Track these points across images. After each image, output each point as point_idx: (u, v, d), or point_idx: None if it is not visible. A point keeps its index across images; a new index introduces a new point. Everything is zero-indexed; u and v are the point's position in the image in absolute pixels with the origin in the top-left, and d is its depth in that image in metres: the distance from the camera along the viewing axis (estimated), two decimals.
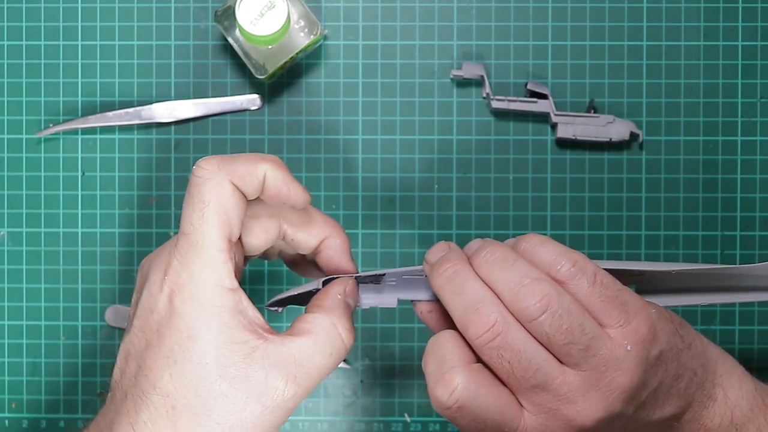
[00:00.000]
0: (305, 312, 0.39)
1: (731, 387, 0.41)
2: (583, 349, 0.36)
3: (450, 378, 0.37)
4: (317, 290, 0.41)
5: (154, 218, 0.54)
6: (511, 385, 0.37)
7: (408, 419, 0.54)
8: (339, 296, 0.40)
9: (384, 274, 0.44)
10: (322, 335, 0.38)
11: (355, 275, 0.42)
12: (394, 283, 0.44)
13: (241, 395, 0.36)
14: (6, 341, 0.54)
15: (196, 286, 0.36)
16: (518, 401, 0.37)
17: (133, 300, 0.38)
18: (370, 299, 0.44)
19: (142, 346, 0.36)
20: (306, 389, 0.37)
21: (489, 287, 0.37)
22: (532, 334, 0.37)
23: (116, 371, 0.37)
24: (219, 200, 0.36)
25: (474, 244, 0.40)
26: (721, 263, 0.53)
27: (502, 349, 0.36)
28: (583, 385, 0.37)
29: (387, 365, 0.54)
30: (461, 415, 0.37)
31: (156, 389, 0.35)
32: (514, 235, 0.53)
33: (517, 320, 0.37)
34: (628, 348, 0.37)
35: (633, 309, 0.37)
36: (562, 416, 0.37)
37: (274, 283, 0.54)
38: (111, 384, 0.37)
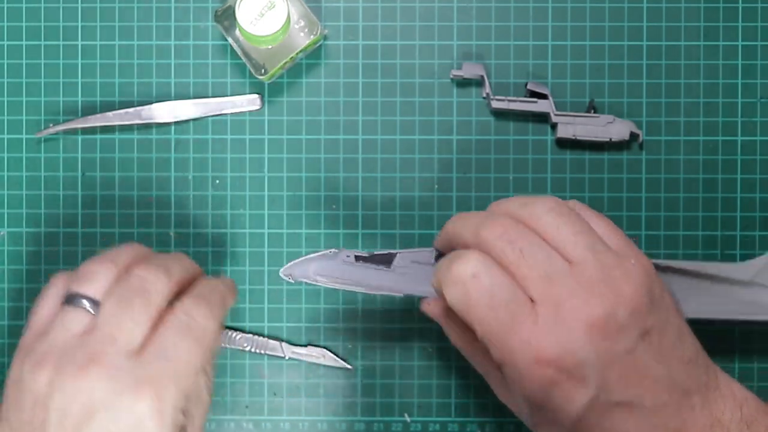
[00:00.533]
0: None
1: (734, 383, 0.41)
2: (590, 246, 0.40)
3: (467, 255, 0.40)
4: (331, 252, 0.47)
5: (154, 218, 0.54)
6: (521, 275, 0.39)
7: (408, 419, 0.54)
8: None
9: (395, 255, 0.46)
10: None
11: (366, 254, 0.47)
12: (404, 271, 0.46)
13: None
14: (6, 341, 0.54)
15: (176, 412, 0.39)
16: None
17: (40, 419, 0.38)
18: (377, 281, 0.46)
19: None
20: None
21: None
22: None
23: None
24: (213, 346, 0.42)
25: None
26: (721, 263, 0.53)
27: (516, 239, 0.40)
28: (588, 280, 0.39)
29: (387, 365, 0.54)
30: (475, 287, 0.39)
31: None
32: None
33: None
34: (633, 263, 0.40)
35: (639, 252, 0.41)
36: (570, 308, 0.38)
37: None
38: None
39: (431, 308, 0.47)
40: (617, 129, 0.52)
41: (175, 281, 0.42)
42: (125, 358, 0.39)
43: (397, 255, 0.48)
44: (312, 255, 0.49)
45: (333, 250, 0.49)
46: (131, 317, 0.39)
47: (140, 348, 0.39)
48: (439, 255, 0.47)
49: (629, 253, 0.41)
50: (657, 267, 0.42)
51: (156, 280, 0.41)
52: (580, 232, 0.40)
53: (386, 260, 0.48)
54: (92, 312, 0.40)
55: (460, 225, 0.43)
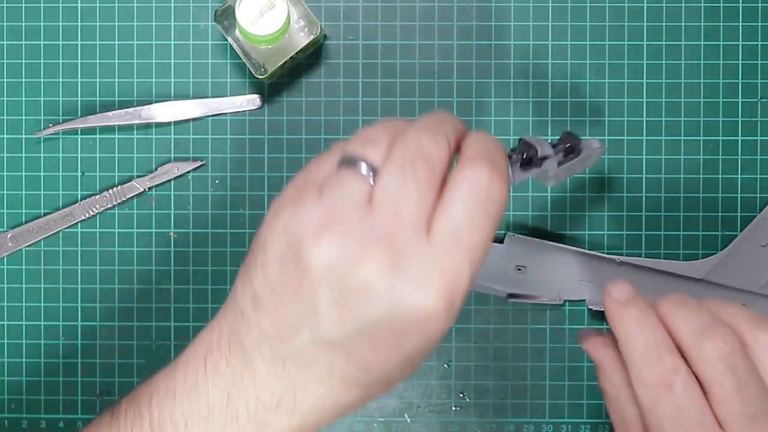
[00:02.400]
0: None
1: None
2: (750, 417, 0.36)
3: (677, 363, 0.37)
4: None
5: (154, 218, 0.54)
6: (726, 406, 0.36)
7: (408, 419, 0.54)
8: None
9: None
10: None
11: None
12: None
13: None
14: (6, 341, 0.54)
15: (460, 303, 0.34)
16: None
17: (310, 288, 0.33)
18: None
19: (367, 354, 0.34)
20: None
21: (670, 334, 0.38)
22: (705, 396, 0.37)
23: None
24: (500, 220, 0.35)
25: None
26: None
27: (738, 367, 0.36)
28: None
29: None
30: (670, 398, 0.37)
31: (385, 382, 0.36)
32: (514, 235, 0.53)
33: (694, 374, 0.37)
34: None
35: None
36: None
37: None
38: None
39: (593, 350, 0.42)
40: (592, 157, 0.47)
41: (451, 143, 0.35)
42: (413, 239, 0.33)
43: None
44: None
45: None
46: (416, 188, 0.33)
47: (428, 225, 0.33)
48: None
49: None
50: (619, 263, 0.41)
51: (437, 146, 0.34)
52: (748, 399, 0.37)
53: None
54: (371, 180, 0.34)
55: (680, 317, 0.38)
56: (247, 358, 0.35)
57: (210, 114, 0.54)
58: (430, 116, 0.36)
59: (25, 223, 0.54)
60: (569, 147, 0.42)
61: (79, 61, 0.54)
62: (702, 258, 0.53)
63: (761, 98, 0.54)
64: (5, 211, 0.54)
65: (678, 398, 0.36)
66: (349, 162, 0.34)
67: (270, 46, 0.51)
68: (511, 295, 0.53)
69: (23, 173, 0.54)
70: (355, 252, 0.32)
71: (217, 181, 0.54)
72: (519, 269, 0.53)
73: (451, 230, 0.33)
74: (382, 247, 0.32)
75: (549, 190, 0.54)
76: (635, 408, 0.40)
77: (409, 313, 0.33)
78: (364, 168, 0.34)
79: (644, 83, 0.54)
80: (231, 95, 0.54)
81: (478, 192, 0.34)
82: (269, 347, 0.35)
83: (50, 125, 0.54)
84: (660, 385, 0.37)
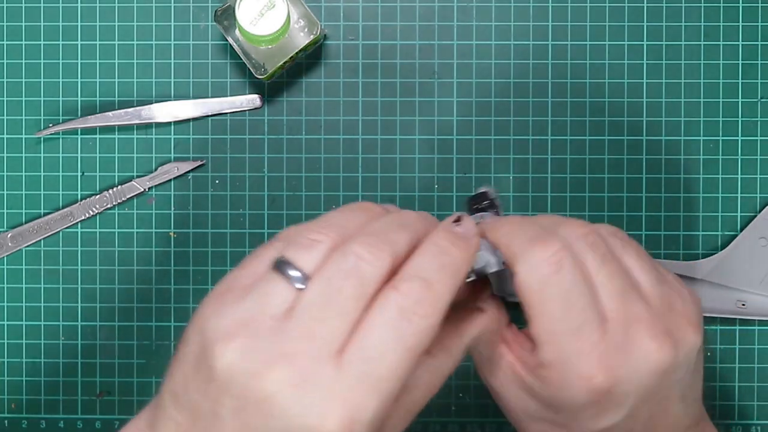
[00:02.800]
0: None
1: None
2: (658, 279, 0.37)
3: (554, 240, 0.36)
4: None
5: (154, 218, 0.54)
6: (599, 282, 0.36)
7: None
8: None
9: None
10: (431, 378, 0.37)
11: None
12: None
13: None
14: (6, 341, 0.54)
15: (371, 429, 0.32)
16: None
17: (216, 394, 0.32)
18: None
19: None
20: None
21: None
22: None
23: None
24: (420, 354, 0.33)
25: None
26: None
27: (598, 245, 0.36)
28: (656, 311, 0.36)
29: None
30: (556, 280, 0.35)
31: None
32: None
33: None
34: (691, 303, 0.38)
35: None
36: (637, 337, 0.36)
37: None
38: None
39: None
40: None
41: (399, 257, 0.33)
42: (321, 362, 0.31)
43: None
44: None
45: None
46: (337, 309, 0.32)
47: (341, 348, 0.32)
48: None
49: (682, 290, 0.39)
50: None
51: (376, 263, 0.33)
52: (648, 261, 0.38)
53: None
54: (300, 288, 0.33)
55: (521, 228, 0.37)
56: None
57: (210, 114, 0.54)
58: (388, 218, 0.35)
59: (25, 223, 0.54)
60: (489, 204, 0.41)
61: (79, 61, 0.54)
62: (702, 258, 0.53)
63: (761, 98, 0.54)
64: (5, 211, 0.54)
65: (566, 275, 0.35)
66: (280, 266, 0.33)
67: (270, 46, 0.51)
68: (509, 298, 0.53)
69: (23, 173, 0.54)
70: (260, 365, 0.31)
71: (217, 181, 0.54)
72: None
73: (362, 359, 0.31)
74: (287, 364, 0.31)
75: (549, 191, 0.54)
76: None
77: None
78: (293, 275, 0.33)
79: (644, 83, 0.54)
80: (231, 95, 0.54)
81: (398, 321, 0.32)
82: None
83: (50, 125, 0.54)
84: (550, 263, 0.35)
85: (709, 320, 0.53)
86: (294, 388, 0.31)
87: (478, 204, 0.41)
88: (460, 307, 0.38)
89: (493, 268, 0.38)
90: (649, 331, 0.36)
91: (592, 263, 0.36)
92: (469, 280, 0.36)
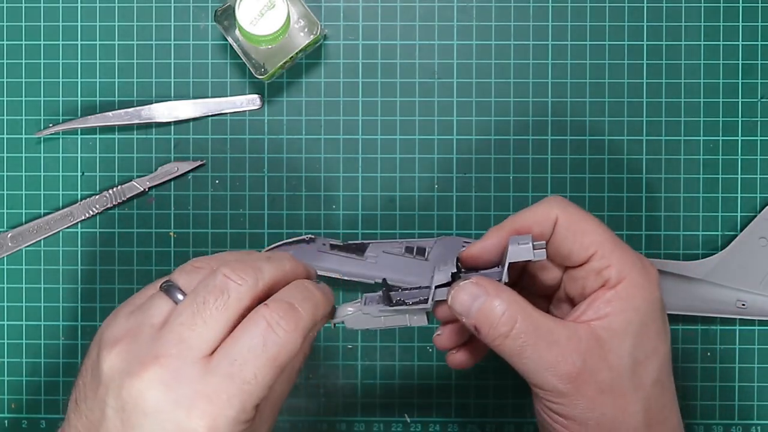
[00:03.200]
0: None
1: None
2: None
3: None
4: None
5: (154, 218, 0.54)
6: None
7: (408, 419, 0.54)
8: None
9: (368, 245, 0.51)
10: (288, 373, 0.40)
11: (341, 243, 0.49)
12: (374, 260, 0.49)
13: None
14: (6, 341, 0.54)
15: (234, 426, 0.36)
16: None
17: (103, 399, 0.37)
18: (350, 268, 0.50)
19: None
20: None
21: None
22: None
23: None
24: (288, 363, 0.37)
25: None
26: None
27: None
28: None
29: (387, 365, 0.54)
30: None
31: None
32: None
33: None
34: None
35: None
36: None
37: None
38: None
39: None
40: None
41: (265, 284, 0.39)
42: (189, 363, 0.36)
43: (369, 245, 0.51)
44: (290, 239, 0.52)
45: (310, 236, 0.50)
46: (203, 318, 0.37)
47: (210, 354, 0.37)
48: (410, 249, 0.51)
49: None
50: None
51: (240, 282, 0.38)
52: None
53: (359, 249, 0.50)
54: (177, 303, 0.38)
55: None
56: None
57: (210, 114, 0.54)
58: (263, 255, 0.41)
59: (25, 223, 0.54)
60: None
61: (79, 61, 0.54)
62: (702, 258, 0.53)
63: (761, 98, 0.54)
64: (5, 211, 0.54)
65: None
66: (165, 287, 0.39)
67: (270, 46, 0.51)
68: None
69: (23, 173, 0.54)
70: (136, 365, 0.36)
71: (217, 181, 0.54)
72: None
73: (229, 363, 0.36)
74: (159, 365, 0.36)
75: (549, 191, 0.54)
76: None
77: (173, 429, 0.35)
78: (175, 293, 0.39)
79: (644, 83, 0.54)
80: (231, 95, 0.54)
81: (265, 331, 0.37)
82: None
83: (50, 125, 0.54)
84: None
85: (709, 320, 0.53)
86: (164, 386, 0.35)
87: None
88: None
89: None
90: None
91: None
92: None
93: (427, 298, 0.43)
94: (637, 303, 0.40)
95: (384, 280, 0.47)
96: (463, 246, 0.48)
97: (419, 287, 0.45)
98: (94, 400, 0.37)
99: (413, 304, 0.43)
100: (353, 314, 0.43)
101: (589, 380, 0.39)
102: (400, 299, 0.45)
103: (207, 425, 0.35)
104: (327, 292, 0.41)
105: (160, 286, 0.39)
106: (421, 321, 0.44)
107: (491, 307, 0.39)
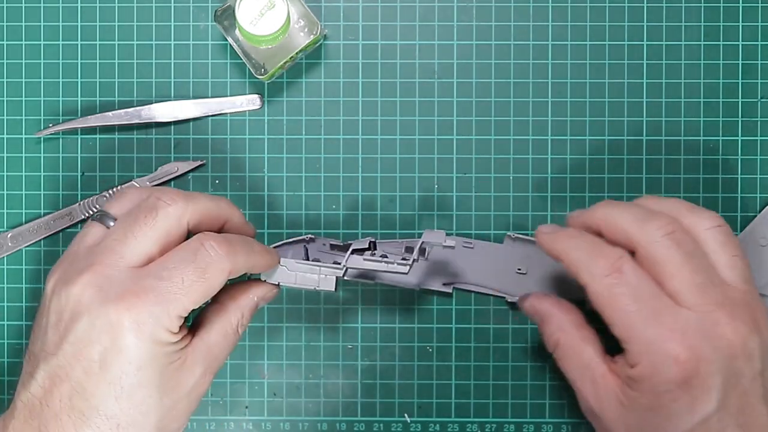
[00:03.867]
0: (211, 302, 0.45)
1: None
2: (743, 273, 0.41)
3: (611, 252, 0.41)
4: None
5: None
6: (678, 278, 0.40)
7: (408, 419, 0.54)
8: (247, 295, 0.46)
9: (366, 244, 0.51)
10: (224, 325, 0.44)
11: (341, 243, 0.51)
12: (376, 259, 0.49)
13: (176, 398, 0.41)
14: (6, 341, 0.54)
15: (158, 328, 0.39)
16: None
17: (45, 320, 0.40)
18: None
19: (79, 373, 0.38)
20: (215, 373, 0.43)
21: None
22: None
23: (36, 389, 0.39)
24: (218, 284, 0.40)
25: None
26: None
27: (684, 242, 0.40)
28: (735, 302, 0.40)
29: (387, 365, 0.54)
30: (621, 280, 0.40)
31: (99, 412, 0.38)
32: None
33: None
34: (764, 304, 0.41)
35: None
36: (714, 320, 0.39)
37: None
38: (24, 398, 0.40)
39: (537, 303, 0.47)
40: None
41: (195, 210, 0.42)
42: (121, 270, 0.39)
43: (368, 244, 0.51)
44: (290, 240, 0.52)
45: (310, 236, 0.50)
46: (133, 231, 0.40)
47: (141, 265, 0.40)
48: (407, 249, 0.51)
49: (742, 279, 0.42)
50: None
51: (170, 202, 0.41)
52: (740, 257, 0.41)
53: (360, 250, 0.50)
54: (109, 227, 0.42)
55: (618, 213, 0.43)
56: (13, 406, 0.41)
57: (210, 114, 0.54)
58: (200, 194, 0.43)
59: (25, 223, 0.54)
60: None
61: (79, 61, 0.54)
62: None
63: (761, 98, 0.54)
64: (5, 211, 0.54)
65: (629, 276, 0.40)
66: (97, 216, 0.43)
67: (270, 46, 0.51)
68: (512, 305, 0.53)
69: (23, 173, 0.54)
70: (70, 278, 0.39)
71: (217, 181, 0.54)
72: (519, 271, 0.53)
73: (158, 270, 0.39)
74: (91, 272, 0.39)
75: (549, 191, 0.54)
76: (589, 344, 0.43)
77: (103, 327, 0.38)
78: (107, 220, 0.42)
79: (644, 83, 0.54)
80: (231, 95, 0.54)
81: (197, 250, 0.40)
82: (25, 391, 0.40)
83: (50, 125, 0.54)
84: (612, 271, 0.40)
85: None
86: (97, 288, 0.39)
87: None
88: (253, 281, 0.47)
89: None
90: (728, 316, 0.39)
91: (673, 261, 0.40)
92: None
93: (341, 263, 0.47)
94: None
95: (372, 242, 0.51)
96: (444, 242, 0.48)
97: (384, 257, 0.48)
98: (37, 328, 0.41)
99: (331, 263, 0.47)
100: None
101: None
102: (317, 259, 0.50)
103: (132, 318, 0.38)
104: (269, 249, 0.45)
105: (92, 216, 0.43)
106: (328, 285, 0.47)
107: None
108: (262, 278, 0.47)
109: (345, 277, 0.48)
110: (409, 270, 0.47)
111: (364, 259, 0.47)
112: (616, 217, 0.42)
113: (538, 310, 0.46)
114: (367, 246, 0.50)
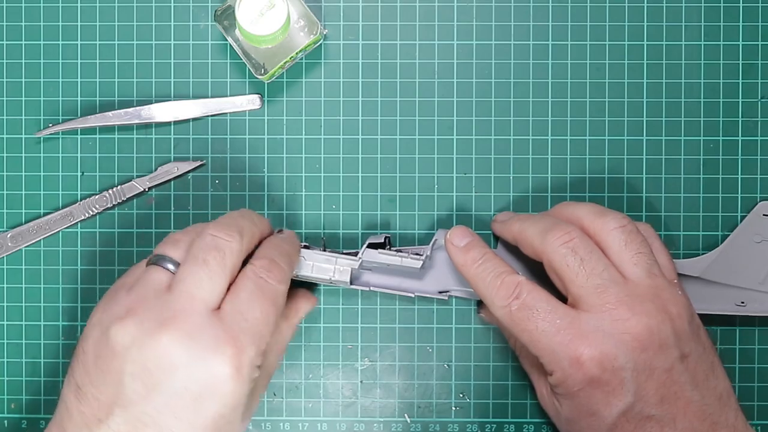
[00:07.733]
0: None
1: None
2: (648, 268, 0.43)
3: (509, 280, 0.44)
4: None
5: (154, 218, 0.54)
6: (576, 284, 0.43)
7: (408, 420, 0.54)
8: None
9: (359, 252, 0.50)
10: (280, 347, 0.48)
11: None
12: (369, 266, 0.49)
13: (248, 417, 0.44)
14: (5, 341, 0.54)
15: (253, 368, 0.41)
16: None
17: (119, 369, 0.39)
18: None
19: (169, 419, 0.39)
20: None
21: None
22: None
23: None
24: (283, 306, 0.44)
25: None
26: None
27: (579, 248, 0.43)
28: (639, 296, 0.42)
29: (387, 365, 0.54)
30: (516, 306, 0.43)
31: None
32: None
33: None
34: (680, 292, 0.43)
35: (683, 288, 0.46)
36: (615, 318, 0.41)
37: None
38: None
39: (489, 316, 0.51)
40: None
41: (248, 240, 0.43)
42: (204, 316, 0.40)
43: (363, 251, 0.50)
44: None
45: (305, 244, 0.50)
46: (207, 274, 0.41)
47: (217, 307, 0.41)
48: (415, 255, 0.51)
49: (677, 285, 0.44)
50: None
51: (230, 239, 0.42)
52: (643, 253, 0.44)
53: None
54: (172, 271, 0.42)
55: (529, 225, 0.46)
56: None
57: (210, 114, 0.54)
58: (229, 214, 0.45)
59: (25, 223, 0.54)
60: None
61: (79, 61, 0.54)
62: None
63: (761, 98, 0.54)
64: (5, 211, 0.54)
65: (526, 299, 0.43)
66: (154, 260, 0.43)
67: (270, 46, 0.51)
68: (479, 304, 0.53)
69: (23, 173, 0.54)
70: (152, 328, 0.39)
71: (217, 181, 0.54)
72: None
73: (236, 309, 0.40)
74: (177, 322, 0.39)
75: (549, 191, 0.54)
76: (524, 350, 0.49)
77: (202, 376, 0.38)
78: (167, 263, 0.42)
79: (644, 83, 0.54)
80: (231, 95, 0.54)
81: (258, 282, 0.42)
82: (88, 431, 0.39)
83: (50, 125, 0.54)
84: (510, 300, 0.43)
85: (708, 320, 0.53)
86: (188, 340, 0.38)
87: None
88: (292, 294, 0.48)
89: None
90: (629, 311, 0.42)
91: (570, 267, 0.43)
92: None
93: (357, 253, 0.48)
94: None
95: (386, 238, 0.52)
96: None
97: (398, 251, 0.50)
98: (106, 375, 0.39)
99: (346, 254, 0.49)
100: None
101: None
102: (334, 249, 0.51)
103: (233, 366, 0.39)
104: (293, 242, 0.47)
105: (148, 262, 0.43)
106: (344, 277, 0.49)
107: None
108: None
109: (352, 285, 0.49)
110: (422, 265, 0.49)
111: (380, 253, 0.49)
112: (525, 231, 0.46)
113: (493, 323, 0.52)
114: (382, 241, 0.51)
